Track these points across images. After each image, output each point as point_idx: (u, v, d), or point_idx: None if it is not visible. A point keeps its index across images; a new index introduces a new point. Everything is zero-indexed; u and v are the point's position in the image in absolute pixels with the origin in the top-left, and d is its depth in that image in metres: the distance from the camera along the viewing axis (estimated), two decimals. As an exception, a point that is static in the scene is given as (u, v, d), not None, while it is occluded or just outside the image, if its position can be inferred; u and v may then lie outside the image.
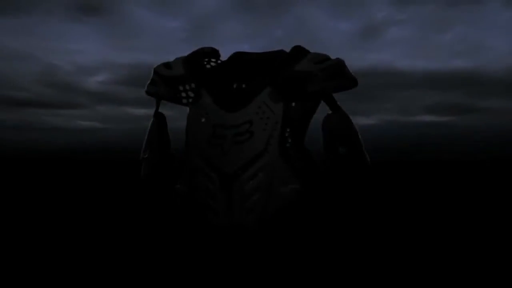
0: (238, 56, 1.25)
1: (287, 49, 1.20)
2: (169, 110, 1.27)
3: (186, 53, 1.26)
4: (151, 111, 1.27)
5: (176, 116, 1.25)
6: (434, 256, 1.18)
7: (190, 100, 1.17)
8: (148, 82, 1.24)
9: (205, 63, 1.26)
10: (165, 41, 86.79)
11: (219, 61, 1.27)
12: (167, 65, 1.23)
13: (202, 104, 1.14)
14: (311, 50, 1.17)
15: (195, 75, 1.18)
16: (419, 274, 0.96)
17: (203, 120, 1.12)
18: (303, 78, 1.10)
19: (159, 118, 1.26)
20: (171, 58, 1.26)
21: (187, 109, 1.20)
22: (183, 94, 1.18)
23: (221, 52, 1.28)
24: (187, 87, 1.18)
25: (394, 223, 1.93)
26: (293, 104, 1.13)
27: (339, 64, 1.12)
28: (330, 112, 1.14)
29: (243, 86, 1.16)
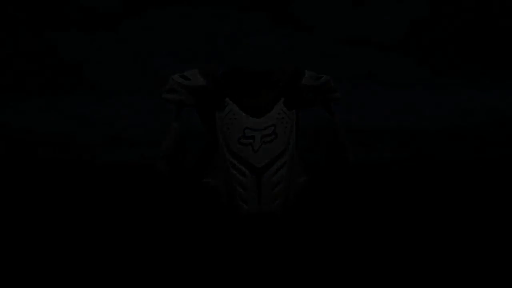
0: (234, 71, 1.38)
1: None
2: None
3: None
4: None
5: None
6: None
7: (216, 107, 1.31)
8: (166, 90, 1.33)
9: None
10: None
11: None
12: (183, 76, 1.34)
13: (229, 110, 1.30)
14: None
15: (217, 86, 1.33)
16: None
17: (232, 123, 1.30)
18: (310, 91, 1.38)
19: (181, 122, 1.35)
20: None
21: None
22: (208, 102, 1.32)
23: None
24: (212, 95, 1.32)
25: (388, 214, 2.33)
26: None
27: (331, 80, 1.42)
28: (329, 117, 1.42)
29: (260, 96, 1.37)
